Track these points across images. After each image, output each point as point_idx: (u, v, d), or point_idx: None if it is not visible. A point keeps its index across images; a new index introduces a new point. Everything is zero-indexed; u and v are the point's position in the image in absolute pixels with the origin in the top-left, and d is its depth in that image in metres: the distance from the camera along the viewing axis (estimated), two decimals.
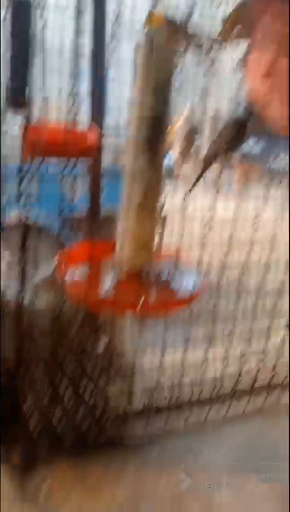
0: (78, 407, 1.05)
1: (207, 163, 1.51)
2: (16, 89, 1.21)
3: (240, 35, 1.14)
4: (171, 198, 2.14)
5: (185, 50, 1.52)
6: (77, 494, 1.48)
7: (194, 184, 1.44)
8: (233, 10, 1.14)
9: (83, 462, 1.61)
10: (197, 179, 1.51)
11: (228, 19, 1.13)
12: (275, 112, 1.03)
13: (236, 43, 1.21)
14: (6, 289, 1.20)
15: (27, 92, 1.19)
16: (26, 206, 1.14)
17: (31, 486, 1.49)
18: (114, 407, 1.10)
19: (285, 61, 0.80)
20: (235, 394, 1.24)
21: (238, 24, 1.12)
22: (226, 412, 1.49)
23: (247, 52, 1.14)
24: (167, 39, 1.18)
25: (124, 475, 1.58)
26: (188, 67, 1.34)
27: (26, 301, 0.95)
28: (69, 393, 1.07)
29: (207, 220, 1.16)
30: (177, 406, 1.18)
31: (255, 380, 1.25)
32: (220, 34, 1.19)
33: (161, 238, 2.16)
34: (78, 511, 1.42)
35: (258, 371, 1.22)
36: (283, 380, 1.37)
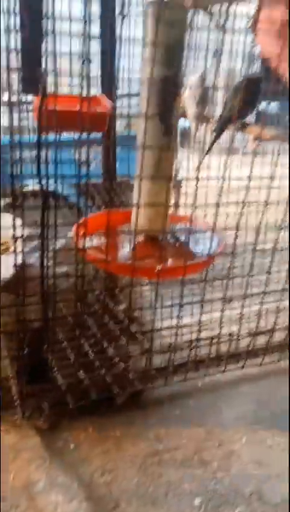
0: (102, 366, 1.10)
1: (222, 125, 1.49)
2: (27, 78, 1.19)
3: None
4: (187, 162, 2.15)
5: (197, 8, 1.48)
6: (101, 450, 1.58)
7: (210, 148, 1.43)
8: None
9: (107, 419, 1.70)
10: (213, 143, 1.50)
11: None
12: (288, 70, 1.02)
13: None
14: (28, 256, 1.24)
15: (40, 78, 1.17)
16: (43, 175, 1.15)
17: (59, 443, 1.59)
18: (135, 366, 1.15)
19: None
20: (250, 352, 1.27)
21: None
22: (242, 367, 1.53)
23: (258, 10, 1.11)
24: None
25: (146, 431, 1.66)
26: (200, 27, 1.31)
27: (47, 266, 0.98)
28: (93, 353, 1.13)
29: (222, 184, 1.16)
30: (195, 364, 1.23)
31: (269, 340, 1.28)
32: None
33: (177, 202, 2.17)
34: (103, 465, 1.51)
35: (272, 330, 1.25)
36: None
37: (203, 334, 1.20)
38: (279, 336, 1.34)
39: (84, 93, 1.07)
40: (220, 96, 1.71)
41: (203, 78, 1.66)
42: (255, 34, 0.90)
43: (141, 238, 1.33)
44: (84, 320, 1.22)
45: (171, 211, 1.20)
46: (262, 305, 1.25)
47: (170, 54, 1.08)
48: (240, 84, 1.46)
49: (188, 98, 1.53)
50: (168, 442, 1.63)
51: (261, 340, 1.30)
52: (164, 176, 1.26)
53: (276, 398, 1.87)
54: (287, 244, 1.17)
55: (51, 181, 1.15)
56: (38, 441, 1.58)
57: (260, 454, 1.61)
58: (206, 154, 1.48)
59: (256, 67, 1.59)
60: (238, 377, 1.97)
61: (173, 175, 2.26)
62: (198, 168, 1.25)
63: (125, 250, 1.33)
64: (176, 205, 2.24)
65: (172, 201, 2.20)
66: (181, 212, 2.00)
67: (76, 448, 1.58)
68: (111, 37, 1.76)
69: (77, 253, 1.13)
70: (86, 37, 0.98)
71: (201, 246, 1.36)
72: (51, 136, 1.20)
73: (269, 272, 1.20)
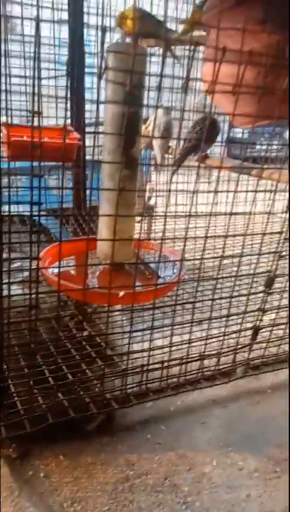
0: (67, 393, 1.11)
1: (184, 155, 1.58)
2: None
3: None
4: (154, 190, 2.23)
5: (157, 47, 1.57)
6: (72, 478, 1.56)
7: (172, 177, 1.51)
8: (192, 14, 1.20)
9: (78, 446, 1.69)
10: (173, 173, 1.59)
11: (190, 19, 1.19)
12: (227, 110, 1.09)
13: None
14: None
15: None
16: (12, 200, 1.18)
17: (28, 472, 1.57)
18: (103, 391, 1.17)
19: (228, 69, 0.85)
20: (216, 375, 1.31)
21: (197, 26, 1.17)
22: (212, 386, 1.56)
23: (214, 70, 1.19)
24: (137, 38, 1.23)
25: (117, 458, 1.66)
26: (162, 64, 1.39)
27: (9, 294, 1.00)
28: (57, 379, 1.14)
29: (188, 211, 1.22)
30: (165, 388, 1.25)
31: (233, 361, 1.32)
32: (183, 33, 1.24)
33: (146, 229, 2.23)
34: (73, 494, 1.50)
35: (235, 351, 1.29)
36: (261, 360, 1.45)
37: (174, 355, 1.22)
38: (242, 356, 1.38)
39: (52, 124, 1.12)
40: (184, 129, 1.80)
41: (168, 112, 1.75)
42: (210, 94, 0.96)
43: (106, 265, 1.37)
44: (49, 347, 1.24)
45: (139, 237, 1.24)
46: (226, 328, 1.29)
47: (130, 92, 1.14)
48: (201, 121, 1.57)
49: (153, 130, 1.61)
50: (139, 468, 1.63)
51: (227, 360, 1.34)
52: (127, 205, 1.31)
53: (247, 420, 1.90)
54: (259, 270, 1.22)
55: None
56: (7, 471, 1.56)
57: (231, 477, 1.62)
58: (170, 181, 1.56)
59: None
60: (210, 400, 2.00)
61: (144, 202, 2.35)
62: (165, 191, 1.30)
63: (90, 277, 1.36)
64: (148, 231, 2.30)
65: (144, 228, 2.27)
66: (151, 238, 2.06)
67: (46, 477, 1.57)
68: (79, 70, 1.85)
69: (43, 281, 1.15)
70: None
71: (166, 272, 1.41)
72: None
73: (231, 297, 1.25)
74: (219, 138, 1.68)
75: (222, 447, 1.76)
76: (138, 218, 1.88)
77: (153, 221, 2.32)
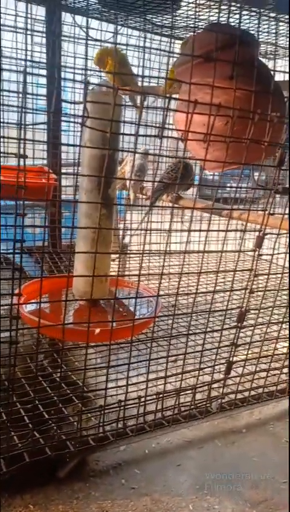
0: (39, 436, 1.08)
1: (158, 195, 1.64)
2: None
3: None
4: (129, 228, 2.28)
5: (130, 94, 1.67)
6: None
7: (145, 216, 1.56)
8: (171, 70, 1.29)
9: (49, 494, 1.61)
10: (147, 213, 1.65)
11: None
12: (199, 155, 1.16)
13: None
14: None
15: None
16: None
17: None
18: (76, 435, 1.14)
19: (200, 117, 0.92)
20: (192, 412, 1.30)
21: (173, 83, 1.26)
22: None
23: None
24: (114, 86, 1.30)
25: (90, 505, 1.59)
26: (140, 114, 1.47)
27: None
28: (29, 421, 1.11)
29: (163, 249, 1.25)
30: (143, 426, 1.23)
31: (209, 396, 1.32)
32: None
33: (121, 266, 2.26)
34: None
35: (210, 386, 1.29)
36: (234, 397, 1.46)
37: (150, 392, 1.21)
38: (217, 391, 1.38)
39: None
40: (160, 171, 1.89)
41: (143, 154, 1.84)
42: (184, 140, 1.02)
43: (82, 302, 1.37)
44: (22, 386, 1.21)
45: (114, 274, 1.26)
46: (200, 364, 1.30)
47: (106, 136, 1.20)
48: (175, 165, 1.65)
49: (127, 171, 1.67)
50: None
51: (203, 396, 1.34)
52: (104, 242, 1.34)
53: (222, 461, 1.87)
54: (233, 305, 1.26)
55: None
56: None
57: None
58: (143, 220, 1.61)
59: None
60: (185, 441, 1.96)
61: (119, 241, 2.39)
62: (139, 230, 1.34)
63: (66, 314, 1.36)
64: (123, 269, 2.33)
65: (120, 266, 2.30)
66: (126, 275, 2.09)
67: None
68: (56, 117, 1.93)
69: (18, 319, 1.14)
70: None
71: (141, 309, 1.43)
72: None
73: (205, 332, 1.27)
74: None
75: (198, 490, 1.71)
76: (114, 256, 1.91)
77: (127, 259, 2.36)
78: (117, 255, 2.03)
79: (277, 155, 1.06)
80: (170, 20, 1.89)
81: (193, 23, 2.01)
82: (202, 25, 1.95)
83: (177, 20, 1.88)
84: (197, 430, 2.01)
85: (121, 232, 2.28)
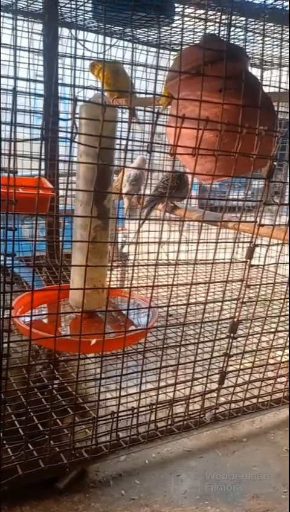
0: (37, 447, 1.08)
1: (153, 205, 1.66)
2: None
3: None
4: (126, 239, 2.30)
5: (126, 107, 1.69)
6: None
7: (140, 226, 1.57)
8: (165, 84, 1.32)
9: (49, 505, 1.61)
10: (141, 224, 1.66)
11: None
12: (191, 166, 1.18)
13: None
14: None
15: None
16: None
17: None
18: (75, 446, 1.14)
19: (190, 130, 0.94)
20: (187, 423, 1.30)
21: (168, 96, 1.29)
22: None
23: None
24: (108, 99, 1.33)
25: None
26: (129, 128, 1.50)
27: None
28: (23, 434, 1.11)
29: (160, 259, 1.26)
30: (136, 437, 1.23)
31: (202, 407, 1.32)
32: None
33: (119, 277, 2.27)
34: None
35: (203, 396, 1.29)
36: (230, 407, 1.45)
37: (144, 403, 1.22)
38: (211, 401, 1.38)
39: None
40: (155, 181, 1.91)
41: (140, 164, 1.86)
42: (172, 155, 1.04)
43: (78, 313, 1.38)
44: (19, 397, 1.22)
45: (112, 285, 1.28)
46: (193, 374, 1.30)
47: (102, 147, 1.22)
48: (169, 174, 1.67)
49: (124, 180, 1.69)
50: None
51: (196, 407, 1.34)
52: (99, 253, 1.35)
53: (223, 471, 1.86)
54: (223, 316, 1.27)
55: None
56: None
57: None
58: (139, 230, 1.63)
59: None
60: (185, 450, 1.95)
61: (118, 251, 2.40)
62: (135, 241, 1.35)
63: (63, 325, 1.37)
64: (122, 279, 2.34)
65: (117, 276, 2.31)
66: (125, 285, 2.10)
67: None
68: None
69: (15, 330, 1.16)
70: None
71: (137, 320, 1.44)
72: None
73: (197, 343, 1.28)
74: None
75: (198, 501, 1.70)
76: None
77: (126, 269, 2.37)
78: (118, 263, 2.04)
79: (267, 167, 1.07)
80: (164, 34, 1.92)
81: (189, 38, 2.04)
82: (196, 38, 1.98)
83: (171, 33, 1.91)
84: (197, 439, 2.00)
85: (120, 241, 2.30)
